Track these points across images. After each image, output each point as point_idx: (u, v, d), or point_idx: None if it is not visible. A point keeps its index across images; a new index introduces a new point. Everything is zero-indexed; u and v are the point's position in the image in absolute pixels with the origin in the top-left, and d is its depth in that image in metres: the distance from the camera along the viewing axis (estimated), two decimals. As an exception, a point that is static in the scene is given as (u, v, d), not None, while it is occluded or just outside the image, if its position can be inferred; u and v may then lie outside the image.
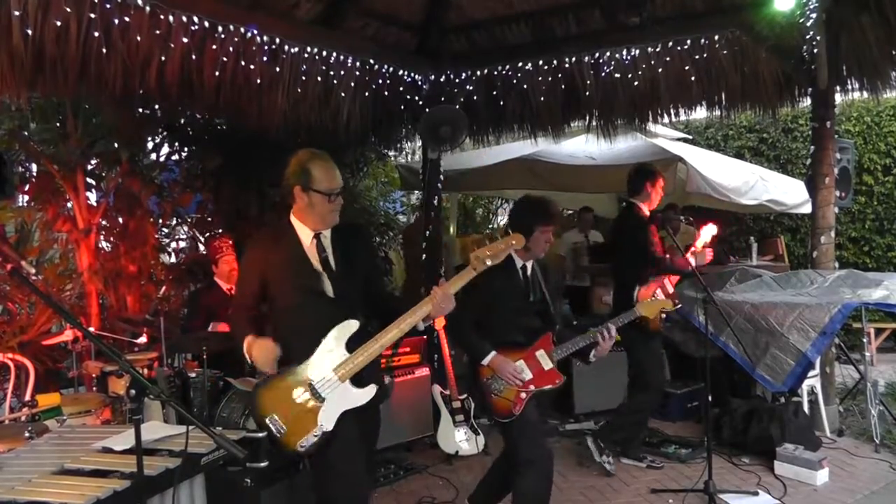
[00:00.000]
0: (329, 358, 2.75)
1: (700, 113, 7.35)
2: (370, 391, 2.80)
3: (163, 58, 4.61)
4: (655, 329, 4.66)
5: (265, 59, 5.17)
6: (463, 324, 3.45)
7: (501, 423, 3.49)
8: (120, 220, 6.20)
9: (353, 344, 2.78)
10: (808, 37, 5.23)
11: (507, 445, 3.59)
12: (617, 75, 6.10)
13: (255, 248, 2.97)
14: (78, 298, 5.98)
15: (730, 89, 6.03)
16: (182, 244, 7.23)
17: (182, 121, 6.93)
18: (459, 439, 5.08)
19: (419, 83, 6.58)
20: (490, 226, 11.83)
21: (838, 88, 5.72)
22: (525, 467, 3.40)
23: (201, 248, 7.02)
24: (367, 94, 6.10)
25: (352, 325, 2.79)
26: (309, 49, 5.46)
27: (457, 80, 6.62)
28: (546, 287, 3.65)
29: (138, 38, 4.43)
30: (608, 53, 6.03)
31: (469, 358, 3.65)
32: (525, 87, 6.47)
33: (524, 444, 3.44)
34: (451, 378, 5.17)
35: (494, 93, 6.65)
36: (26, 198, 6.18)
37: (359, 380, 2.77)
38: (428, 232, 6.71)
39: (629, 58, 5.97)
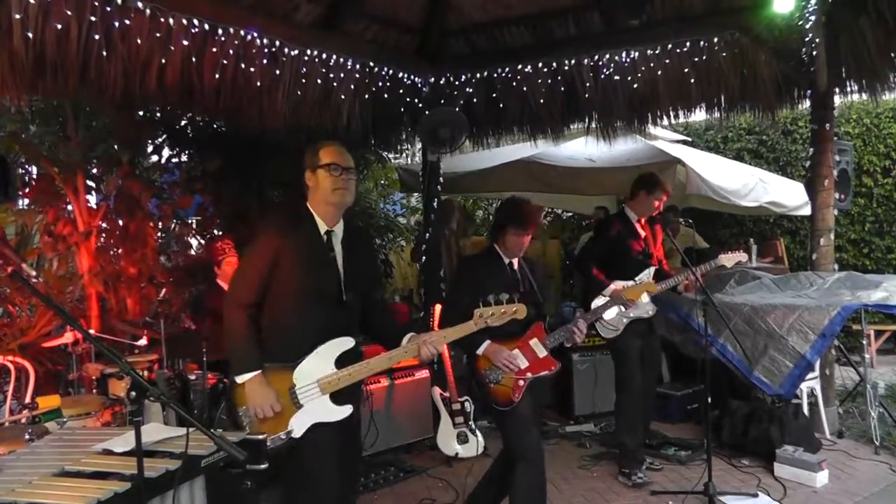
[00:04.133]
0: (317, 367, 2.74)
1: (699, 115, 7.35)
2: (345, 410, 2.78)
3: (163, 60, 4.61)
4: None
5: (265, 61, 5.17)
6: (455, 317, 3.27)
7: (498, 414, 3.54)
8: (120, 222, 6.20)
9: (342, 360, 2.77)
10: (807, 39, 5.24)
11: (503, 440, 3.65)
12: (616, 77, 6.11)
13: (270, 229, 2.82)
14: (78, 301, 5.99)
15: (729, 91, 6.02)
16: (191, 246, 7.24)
17: (182, 123, 6.94)
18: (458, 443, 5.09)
19: (419, 85, 6.59)
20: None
21: (837, 90, 5.72)
22: (518, 461, 3.47)
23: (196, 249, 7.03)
24: (366, 96, 6.11)
25: (347, 343, 2.79)
26: (309, 51, 5.47)
27: (456, 83, 6.63)
28: (535, 280, 3.72)
29: (138, 41, 4.43)
30: (607, 56, 6.04)
31: (464, 351, 3.68)
32: (524, 89, 6.47)
33: (516, 438, 3.51)
34: (450, 380, 5.17)
35: (494, 95, 6.66)
36: (26, 200, 6.19)
37: (337, 396, 2.76)
38: (427, 234, 6.73)
39: (628, 60, 5.97)
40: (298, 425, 2.71)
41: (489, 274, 3.53)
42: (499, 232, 3.64)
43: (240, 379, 2.72)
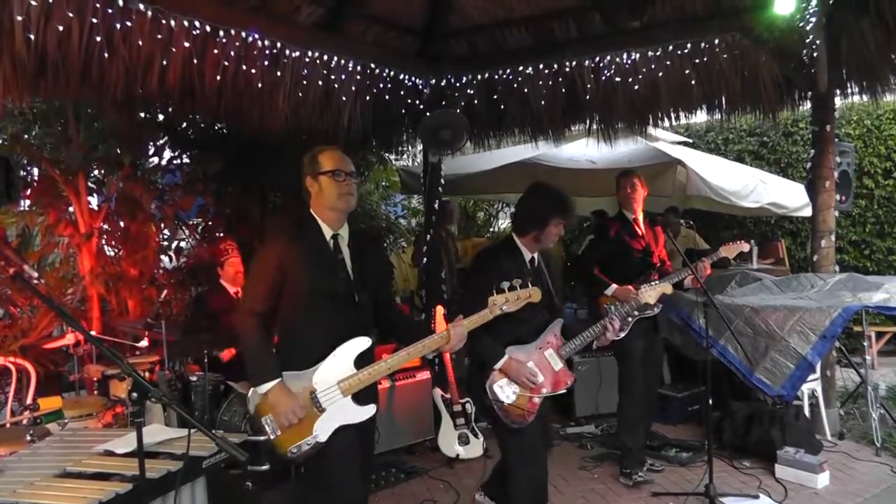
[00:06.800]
0: (336, 369, 2.73)
1: (700, 116, 7.34)
2: (369, 410, 2.78)
3: (164, 62, 4.61)
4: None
5: (266, 63, 5.17)
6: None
7: (505, 430, 3.34)
8: (121, 223, 6.21)
9: (360, 360, 2.76)
10: (807, 40, 5.23)
11: (501, 449, 3.49)
12: (617, 79, 6.10)
13: (276, 237, 2.82)
14: (79, 302, 6.00)
15: (730, 93, 6.02)
16: (184, 246, 7.23)
17: (183, 125, 6.95)
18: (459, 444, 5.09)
19: (420, 87, 6.59)
20: (491, 229, 11.83)
21: (838, 92, 5.72)
22: (516, 476, 3.34)
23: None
24: (367, 97, 6.11)
25: (364, 343, 2.77)
26: (310, 53, 5.47)
27: (457, 84, 6.63)
28: (550, 277, 3.58)
29: (140, 43, 4.43)
30: (608, 57, 6.03)
31: (477, 361, 3.43)
32: (525, 90, 6.46)
33: (519, 462, 3.35)
34: (451, 381, 5.18)
35: (495, 96, 6.65)
36: (28, 202, 6.20)
37: (357, 397, 2.75)
38: (429, 235, 6.73)
39: (629, 61, 5.96)
40: (323, 430, 2.70)
41: (514, 266, 3.32)
42: (536, 223, 3.39)
43: (261, 390, 2.68)
